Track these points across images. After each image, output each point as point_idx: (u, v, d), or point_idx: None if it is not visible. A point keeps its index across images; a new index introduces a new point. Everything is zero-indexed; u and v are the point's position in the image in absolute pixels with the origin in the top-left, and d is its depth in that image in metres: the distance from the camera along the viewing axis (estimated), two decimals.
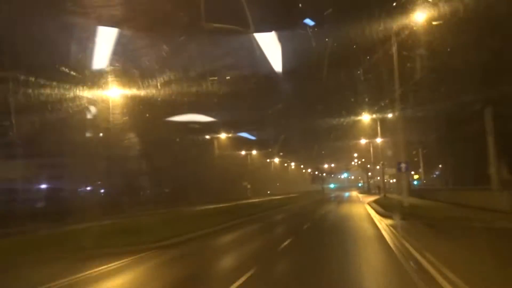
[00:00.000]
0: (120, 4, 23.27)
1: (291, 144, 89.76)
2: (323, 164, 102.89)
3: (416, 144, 45.28)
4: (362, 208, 27.97)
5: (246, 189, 73.32)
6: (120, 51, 27.04)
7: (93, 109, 32.30)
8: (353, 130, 50.02)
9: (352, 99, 40.04)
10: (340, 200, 42.47)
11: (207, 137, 50.99)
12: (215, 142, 53.37)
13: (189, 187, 61.60)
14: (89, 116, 34.66)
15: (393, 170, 40.68)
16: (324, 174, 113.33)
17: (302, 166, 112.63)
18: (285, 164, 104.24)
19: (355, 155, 79.95)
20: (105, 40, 26.32)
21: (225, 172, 70.19)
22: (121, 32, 26.40)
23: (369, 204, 30.41)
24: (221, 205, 35.64)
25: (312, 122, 64.02)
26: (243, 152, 67.56)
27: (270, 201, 42.84)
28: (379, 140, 55.89)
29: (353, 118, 40.90)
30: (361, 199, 41.30)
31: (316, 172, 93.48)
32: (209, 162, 60.88)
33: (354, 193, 76.83)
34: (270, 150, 78.68)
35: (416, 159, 46.17)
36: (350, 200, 42.77)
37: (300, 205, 37.08)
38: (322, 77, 31.82)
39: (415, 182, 74.11)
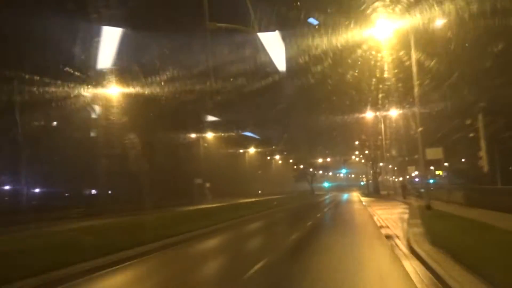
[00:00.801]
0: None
1: (277, 133, 69.69)
2: (317, 158, 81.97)
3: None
4: None
5: (203, 189, 52.49)
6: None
7: None
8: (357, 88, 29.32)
9: None
10: (329, 214, 21.07)
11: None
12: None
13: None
14: None
15: (436, 152, 19.40)
16: (321, 172, 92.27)
17: (291, 161, 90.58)
18: (268, 158, 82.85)
19: (356, 143, 58.30)
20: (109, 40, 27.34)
21: (179, 165, 49.53)
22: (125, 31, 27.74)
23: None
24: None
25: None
26: (193, 135, 45.86)
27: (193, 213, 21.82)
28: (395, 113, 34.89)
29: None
30: (372, 214, 19.27)
31: (303, 167, 71.99)
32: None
33: (356, 195, 55.40)
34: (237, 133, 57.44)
35: (472, 135, 25.03)
36: (348, 215, 20.84)
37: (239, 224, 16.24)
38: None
39: (431, 180, 54.96)
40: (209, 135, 47.23)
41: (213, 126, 48.67)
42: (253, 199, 47.40)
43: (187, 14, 34.74)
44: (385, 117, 39.14)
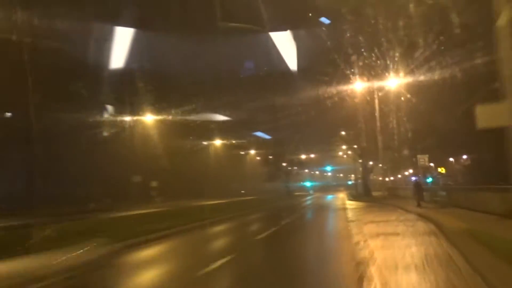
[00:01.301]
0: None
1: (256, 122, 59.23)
2: (298, 154, 71.70)
3: None
4: None
5: (150, 190, 41.90)
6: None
7: None
8: None
9: None
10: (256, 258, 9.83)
11: None
12: None
13: None
14: None
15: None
16: (306, 170, 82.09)
17: (270, 157, 79.77)
18: (241, 152, 71.77)
19: (343, 133, 47.50)
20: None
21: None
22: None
23: None
24: None
25: None
26: (127, 119, 34.39)
27: None
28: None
29: None
30: (364, 268, 7.54)
31: (276, 163, 61.72)
32: None
33: (342, 198, 44.80)
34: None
35: None
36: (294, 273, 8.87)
37: None
38: None
39: (429, 180, 45.96)
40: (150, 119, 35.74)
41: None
42: (211, 202, 36.96)
43: (199, 14, 33.35)
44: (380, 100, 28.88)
